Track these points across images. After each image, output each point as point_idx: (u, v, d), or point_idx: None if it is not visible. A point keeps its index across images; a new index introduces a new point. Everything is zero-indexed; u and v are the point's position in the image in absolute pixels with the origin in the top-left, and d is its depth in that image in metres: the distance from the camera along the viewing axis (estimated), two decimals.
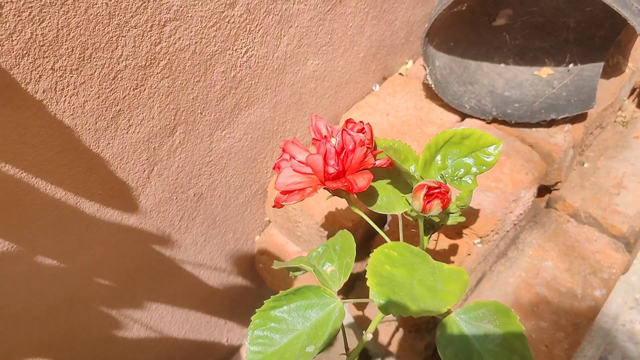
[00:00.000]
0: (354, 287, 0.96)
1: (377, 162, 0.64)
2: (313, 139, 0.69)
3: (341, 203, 0.87)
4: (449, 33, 0.99)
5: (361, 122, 0.67)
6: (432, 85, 0.96)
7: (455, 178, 0.64)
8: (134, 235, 0.75)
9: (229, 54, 0.72)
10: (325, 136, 0.67)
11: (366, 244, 0.92)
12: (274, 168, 0.77)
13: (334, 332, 0.57)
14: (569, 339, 0.85)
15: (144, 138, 0.68)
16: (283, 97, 0.84)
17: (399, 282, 0.53)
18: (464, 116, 1.00)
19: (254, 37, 0.73)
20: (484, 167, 0.64)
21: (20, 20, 0.49)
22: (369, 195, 0.66)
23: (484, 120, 0.98)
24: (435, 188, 0.58)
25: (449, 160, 0.65)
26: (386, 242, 0.62)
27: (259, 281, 1.07)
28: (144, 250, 0.79)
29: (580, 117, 0.97)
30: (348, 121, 0.68)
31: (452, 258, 0.83)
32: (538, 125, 0.96)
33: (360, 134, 0.64)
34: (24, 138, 0.56)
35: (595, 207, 0.98)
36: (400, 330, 0.92)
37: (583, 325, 0.87)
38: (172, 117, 0.70)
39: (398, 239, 0.67)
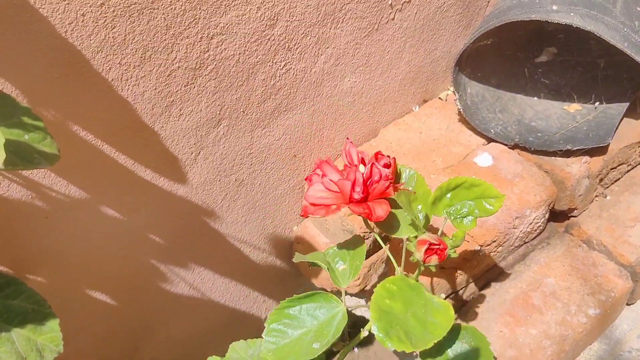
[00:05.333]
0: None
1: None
2: (345, 165, 0.79)
3: None
4: (481, 64, 1.10)
5: (388, 156, 0.77)
6: (461, 110, 1.08)
7: (458, 217, 0.76)
8: (182, 204, 0.93)
9: (269, 65, 0.88)
10: (356, 164, 0.78)
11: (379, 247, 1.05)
12: (305, 179, 0.92)
13: (337, 332, 0.68)
14: (554, 347, 0.93)
15: (193, 126, 0.86)
16: (320, 107, 1.00)
17: (396, 316, 0.65)
18: (489, 140, 1.10)
19: (293, 54, 0.90)
20: (485, 213, 0.75)
21: (96, 25, 0.69)
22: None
23: (506, 145, 1.08)
24: (435, 244, 0.70)
25: (456, 202, 0.76)
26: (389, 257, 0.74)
27: (297, 268, 1.22)
28: (191, 219, 0.97)
29: (599, 151, 1.05)
30: (377, 153, 0.78)
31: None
32: (554, 154, 1.05)
33: (386, 169, 0.74)
34: (95, 113, 0.75)
35: (607, 236, 1.05)
36: None
37: (571, 337, 0.95)
38: (218, 112, 0.87)
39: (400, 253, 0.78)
